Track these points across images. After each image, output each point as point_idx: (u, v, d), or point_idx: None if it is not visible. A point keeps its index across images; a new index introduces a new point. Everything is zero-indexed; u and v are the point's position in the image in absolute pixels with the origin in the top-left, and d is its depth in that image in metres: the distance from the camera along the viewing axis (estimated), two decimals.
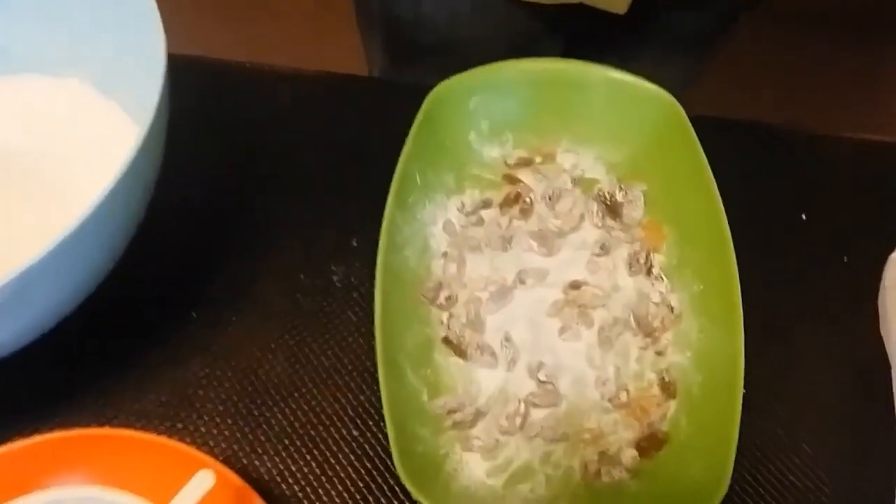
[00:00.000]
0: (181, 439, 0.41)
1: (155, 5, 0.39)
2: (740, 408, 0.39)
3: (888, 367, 0.44)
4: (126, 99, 0.46)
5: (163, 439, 0.36)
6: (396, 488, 0.40)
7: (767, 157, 0.53)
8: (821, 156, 0.54)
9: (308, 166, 0.51)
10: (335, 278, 0.47)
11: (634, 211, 0.48)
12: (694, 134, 0.47)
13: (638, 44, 0.65)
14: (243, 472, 0.40)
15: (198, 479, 0.33)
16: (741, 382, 0.39)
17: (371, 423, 0.42)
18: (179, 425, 0.42)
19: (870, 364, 0.45)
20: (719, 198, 0.45)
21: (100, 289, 0.39)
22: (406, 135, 0.46)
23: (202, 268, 0.47)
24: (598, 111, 0.49)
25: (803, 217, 0.51)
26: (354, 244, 0.48)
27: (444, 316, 0.44)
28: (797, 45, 1.48)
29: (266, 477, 0.40)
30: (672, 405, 0.42)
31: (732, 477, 0.37)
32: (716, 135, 0.47)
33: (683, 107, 0.47)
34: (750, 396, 0.40)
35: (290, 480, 0.41)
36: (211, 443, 0.41)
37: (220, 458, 0.40)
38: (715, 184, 0.45)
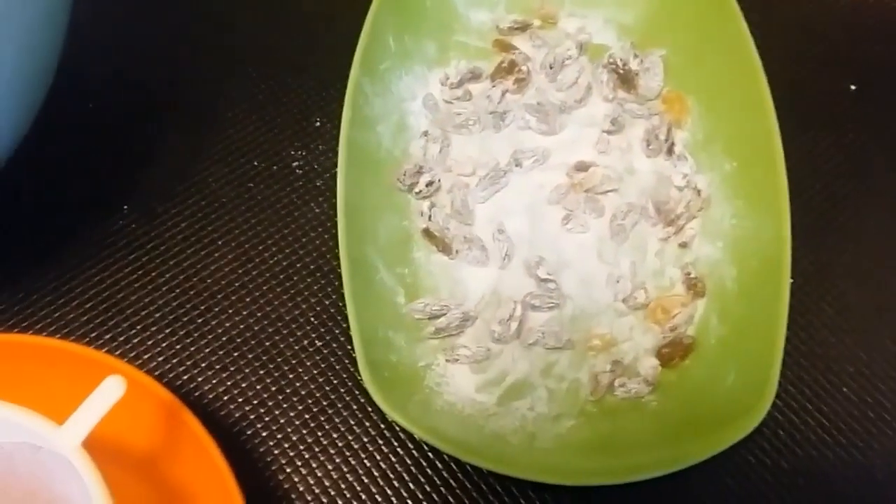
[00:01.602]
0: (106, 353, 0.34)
1: None
2: (788, 301, 0.31)
3: None
4: None
5: (68, 345, 0.29)
6: (368, 407, 0.34)
7: (806, 15, 0.45)
8: (871, 13, 0.45)
9: (259, 31, 0.43)
10: (295, 164, 0.39)
11: (652, 80, 0.40)
12: None
13: None
14: (181, 391, 0.33)
15: (104, 388, 0.26)
16: (788, 271, 0.32)
17: (338, 331, 0.35)
18: (106, 336, 0.35)
19: None
20: (758, 58, 0.37)
21: (10, 173, 0.32)
22: None
23: (135, 152, 0.39)
24: None
25: (852, 88, 0.43)
26: (317, 124, 0.40)
27: (425, 205, 0.37)
28: None
29: (210, 395, 0.34)
30: (700, 305, 0.35)
31: None
32: None
33: None
34: (792, 294, 0.32)
35: (240, 400, 0.34)
36: (143, 356, 0.34)
37: (154, 375, 0.33)
38: (752, 41, 0.37)
